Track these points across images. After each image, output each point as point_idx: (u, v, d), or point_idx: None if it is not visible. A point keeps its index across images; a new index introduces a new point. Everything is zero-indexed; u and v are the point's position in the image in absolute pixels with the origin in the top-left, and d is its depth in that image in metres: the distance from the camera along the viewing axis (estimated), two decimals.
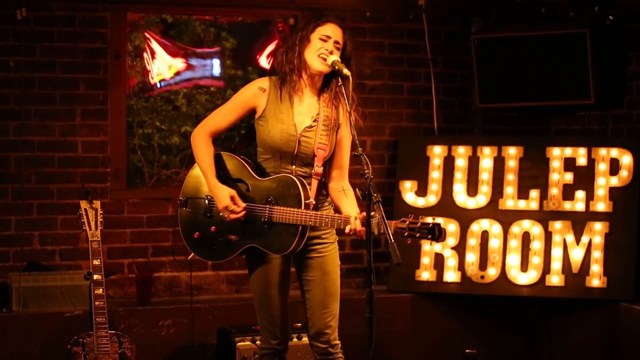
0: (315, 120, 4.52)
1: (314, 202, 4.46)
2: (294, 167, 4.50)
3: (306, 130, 4.51)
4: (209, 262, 6.45)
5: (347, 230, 4.29)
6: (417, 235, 4.12)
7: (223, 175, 4.54)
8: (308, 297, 4.58)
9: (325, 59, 4.42)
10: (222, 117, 4.57)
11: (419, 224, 4.14)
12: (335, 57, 4.40)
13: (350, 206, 4.50)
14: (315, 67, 4.46)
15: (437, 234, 4.12)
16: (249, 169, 4.53)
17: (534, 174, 6.57)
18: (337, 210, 4.59)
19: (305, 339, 5.55)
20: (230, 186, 4.49)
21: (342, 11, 6.78)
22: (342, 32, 4.50)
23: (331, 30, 4.47)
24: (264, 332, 4.62)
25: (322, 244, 4.55)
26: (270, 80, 4.57)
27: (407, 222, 4.14)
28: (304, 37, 4.49)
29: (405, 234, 4.14)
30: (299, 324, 5.49)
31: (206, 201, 4.55)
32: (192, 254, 4.67)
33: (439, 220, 6.51)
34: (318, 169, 4.51)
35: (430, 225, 4.12)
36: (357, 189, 4.14)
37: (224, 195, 4.43)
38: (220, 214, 4.48)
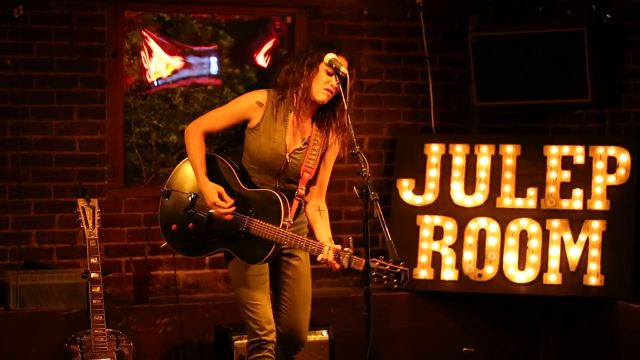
0: (305, 144, 4.59)
1: (292, 223, 4.53)
2: (277, 183, 4.60)
3: (296, 152, 4.58)
4: (206, 260, 6.46)
5: (319, 258, 4.37)
6: (384, 276, 4.12)
7: (211, 178, 4.59)
8: (281, 295, 4.73)
9: (330, 94, 4.46)
10: (217, 120, 4.63)
11: (387, 267, 4.12)
12: (332, 55, 4.41)
13: (323, 229, 4.61)
14: (319, 99, 4.48)
15: (403, 279, 4.11)
16: (237, 176, 4.60)
17: (531, 172, 6.57)
18: (310, 227, 4.70)
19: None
20: None
21: (340, 9, 6.79)
22: (348, 64, 4.46)
23: (339, 64, 4.41)
24: (250, 325, 4.66)
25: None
26: (268, 95, 4.59)
27: (377, 263, 4.14)
28: (312, 64, 4.46)
29: (373, 273, 4.13)
30: None
31: (189, 197, 4.64)
32: (164, 244, 4.74)
33: (437, 217, 6.60)
34: (301, 190, 4.60)
35: (398, 270, 4.10)
36: (354, 187, 4.14)
37: (211, 192, 4.51)
38: (211, 210, 4.55)
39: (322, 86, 4.44)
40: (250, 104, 4.57)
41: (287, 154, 4.54)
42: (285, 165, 4.55)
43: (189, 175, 4.67)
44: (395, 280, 4.10)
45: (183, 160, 4.71)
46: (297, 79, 4.49)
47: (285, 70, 4.58)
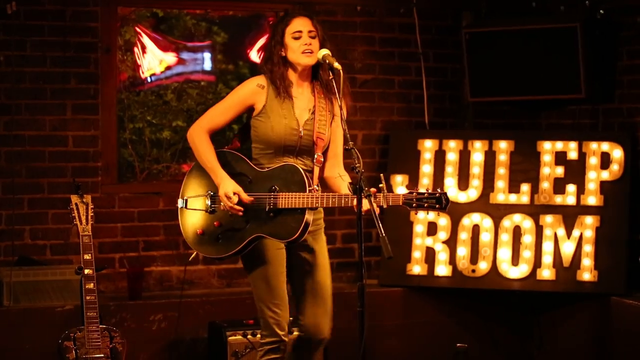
0: (312, 112, 4.61)
1: (317, 189, 4.51)
2: (297, 162, 4.57)
3: (306, 123, 4.60)
4: (199, 256, 6.44)
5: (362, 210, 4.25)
6: (425, 205, 4.19)
7: (224, 170, 4.55)
8: (304, 288, 4.65)
9: (310, 53, 4.53)
10: (219, 114, 4.61)
11: (426, 195, 4.20)
12: (326, 51, 4.50)
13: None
14: (304, 63, 4.56)
15: (445, 203, 4.18)
16: (250, 162, 4.58)
17: (525, 168, 6.58)
18: None
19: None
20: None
21: (333, 5, 6.78)
22: (311, 21, 4.60)
23: (300, 24, 4.57)
24: (269, 325, 4.55)
25: (316, 230, 4.63)
26: (266, 77, 4.62)
27: (414, 194, 4.22)
28: (277, 43, 4.59)
29: (414, 204, 4.21)
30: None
31: (208, 197, 4.57)
32: (193, 255, 4.67)
33: (430, 213, 6.58)
34: (319, 157, 4.61)
35: (437, 194, 4.18)
36: (348, 183, 4.14)
37: (227, 185, 4.44)
38: (221, 203, 4.48)
39: (299, 50, 4.53)
40: (251, 89, 4.59)
41: (301, 128, 4.57)
42: (300, 139, 4.56)
43: (200, 179, 4.60)
44: (437, 206, 4.18)
45: (190, 169, 4.67)
46: (275, 58, 4.57)
47: (262, 59, 4.68)
